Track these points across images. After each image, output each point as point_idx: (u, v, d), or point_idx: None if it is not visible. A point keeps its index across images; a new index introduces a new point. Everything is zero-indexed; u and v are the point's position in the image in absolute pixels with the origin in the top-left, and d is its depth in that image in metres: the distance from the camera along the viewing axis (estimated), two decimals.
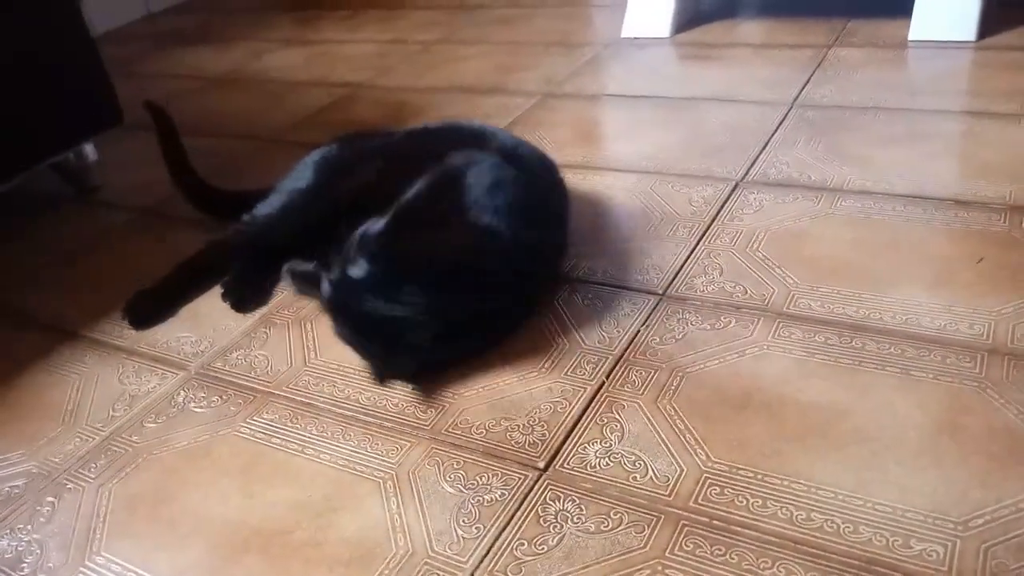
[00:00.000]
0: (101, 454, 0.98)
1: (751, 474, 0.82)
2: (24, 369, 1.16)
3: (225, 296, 1.23)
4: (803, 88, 1.64)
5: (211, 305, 1.23)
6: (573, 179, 1.43)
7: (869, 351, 0.95)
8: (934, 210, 1.19)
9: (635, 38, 2.06)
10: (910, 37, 1.78)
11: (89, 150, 1.65)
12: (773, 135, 1.47)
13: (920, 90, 1.57)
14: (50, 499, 0.93)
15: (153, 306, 1.23)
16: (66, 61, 1.51)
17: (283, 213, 1.24)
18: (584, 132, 1.63)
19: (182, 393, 1.06)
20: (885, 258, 1.11)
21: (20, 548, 0.87)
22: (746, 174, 1.36)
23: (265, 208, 1.26)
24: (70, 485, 0.94)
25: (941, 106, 1.50)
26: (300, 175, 1.27)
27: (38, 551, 0.87)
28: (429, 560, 0.78)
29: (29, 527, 0.90)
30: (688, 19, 2.09)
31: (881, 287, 1.05)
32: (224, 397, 1.04)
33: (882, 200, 1.24)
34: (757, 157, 1.41)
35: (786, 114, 1.54)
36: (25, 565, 0.85)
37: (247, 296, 1.22)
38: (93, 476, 0.95)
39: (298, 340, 1.12)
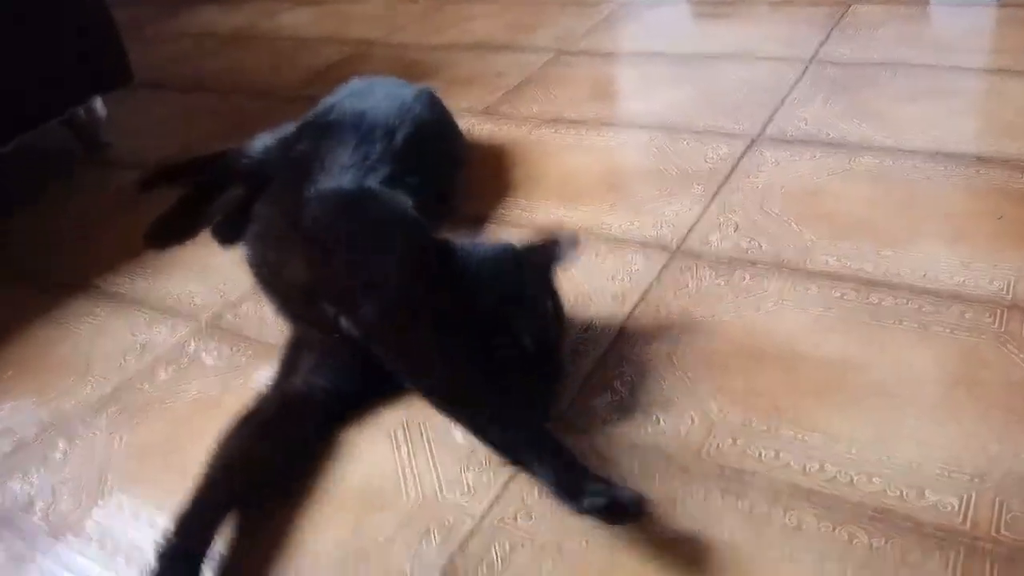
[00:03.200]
0: (113, 402, 0.98)
1: (764, 426, 0.81)
2: (37, 321, 1.16)
3: (213, 233, 1.25)
4: (822, 45, 1.61)
5: (221, 256, 1.22)
6: (588, 136, 1.41)
7: (886, 306, 0.94)
8: (954, 167, 1.17)
9: None
10: None
11: (99, 107, 1.64)
12: (790, 92, 1.45)
13: (942, 47, 1.53)
14: (62, 445, 0.93)
15: (171, 229, 1.27)
16: (78, 19, 1.50)
17: (280, 144, 1.24)
18: (599, 89, 1.61)
19: (193, 343, 1.06)
20: (904, 214, 1.09)
21: (32, 492, 0.88)
22: (762, 131, 1.34)
23: (261, 142, 1.28)
24: (82, 432, 0.95)
25: (963, 63, 1.46)
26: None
27: (50, 495, 0.87)
28: (439, 506, 0.78)
29: (41, 471, 0.90)
30: None
31: (899, 243, 1.03)
32: (234, 348, 1.04)
33: (901, 157, 1.21)
34: (774, 114, 1.38)
35: (804, 71, 1.51)
36: (37, 508, 0.86)
37: (234, 235, 1.22)
38: (105, 424, 0.95)
39: None
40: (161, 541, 0.74)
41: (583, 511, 0.71)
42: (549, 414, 0.85)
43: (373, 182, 1.05)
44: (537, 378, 0.86)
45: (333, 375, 0.89)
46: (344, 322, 0.88)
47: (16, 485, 0.89)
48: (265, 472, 0.84)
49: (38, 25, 1.45)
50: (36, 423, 0.97)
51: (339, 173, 1.05)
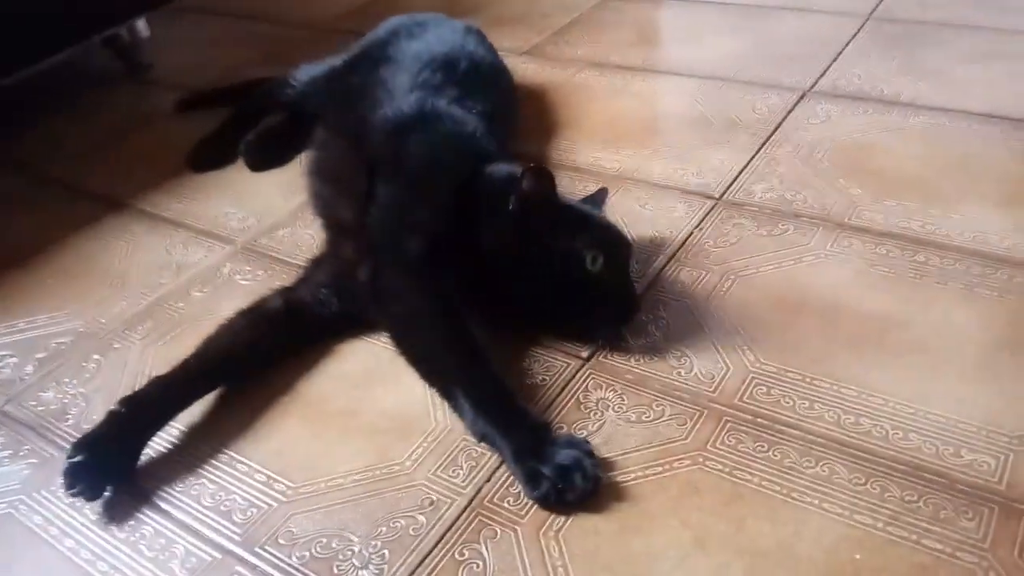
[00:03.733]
0: (147, 317, 0.99)
1: (800, 376, 0.80)
2: (74, 235, 1.16)
3: (243, 152, 1.25)
4: (881, 1, 1.55)
5: (259, 182, 1.22)
6: (633, 81, 1.38)
7: (932, 265, 0.91)
8: (1011, 130, 1.13)
9: None
10: None
11: (142, 27, 1.63)
12: (846, 47, 1.40)
13: (1006, 8, 1.48)
14: (96, 356, 0.94)
15: (212, 153, 1.28)
16: None
17: (327, 76, 1.24)
18: (647, 35, 1.57)
19: (228, 265, 1.06)
20: (955, 175, 1.06)
21: (65, 400, 0.89)
22: (814, 84, 1.30)
23: (305, 72, 1.28)
24: (116, 344, 0.96)
25: None
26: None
27: (83, 404, 0.88)
28: (466, 437, 0.78)
29: (75, 381, 0.91)
30: None
31: (950, 203, 1.00)
32: (269, 272, 1.04)
33: (957, 117, 1.17)
34: (828, 68, 1.34)
35: (861, 26, 1.47)
36: (70, 416, 0.87)
37: (263, 158, 1.25)
38: (139, 337, 0.96)
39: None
40: (117, 404, 0.80)
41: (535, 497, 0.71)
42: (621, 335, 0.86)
43: (442, 104, 1.04)
44: (609, 304, 0.86)
45: (340, 297, 0.90)
46: (361, 271, 0.89)
47: (50, 393, 0.90)
48: (243, 359, 0.88)
49: None
50: (72, 333, 0.98)
51: (403, 96, 1.04)
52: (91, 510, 0.76)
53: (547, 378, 0.83)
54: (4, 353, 0.97)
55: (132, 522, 0.75)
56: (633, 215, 1.05)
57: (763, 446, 0.74)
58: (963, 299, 0.87)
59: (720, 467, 0.72)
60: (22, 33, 1.38)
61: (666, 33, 1.62)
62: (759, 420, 0.76)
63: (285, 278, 1.02)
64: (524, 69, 1.46)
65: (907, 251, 0.94)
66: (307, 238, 1.09)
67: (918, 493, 0.68)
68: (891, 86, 1.27)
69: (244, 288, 1.01)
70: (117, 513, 0.76)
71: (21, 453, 0.84)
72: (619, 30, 1.58)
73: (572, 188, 1.11)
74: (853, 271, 0.92)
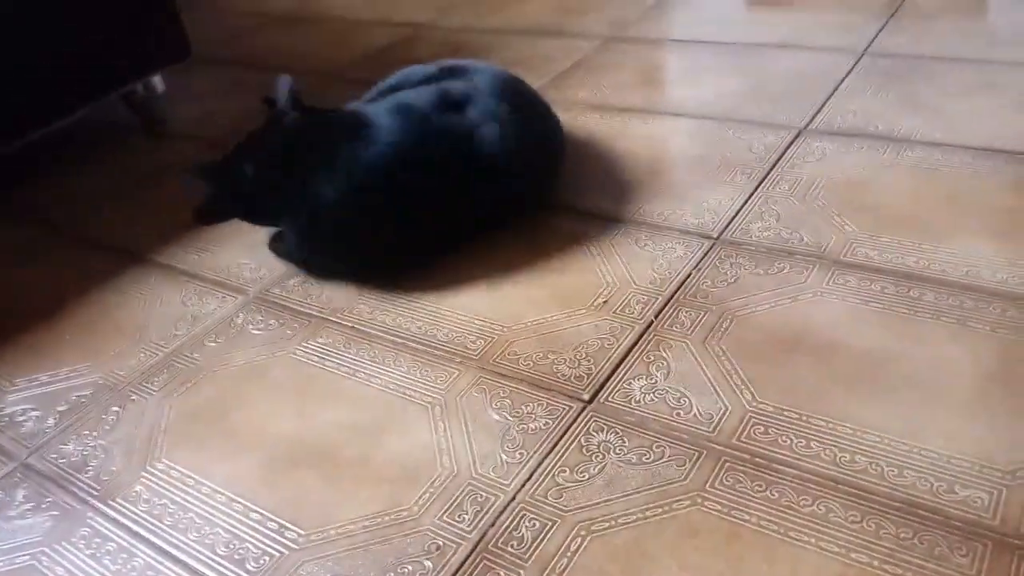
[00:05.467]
0: (164, 369, 1.02)
1: (796, 415, 0.82)
2: (92, 288, 1.20)
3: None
4: (876, 36, 1.58)
5: (270, 235, 1.25)
6: (633, 123, 1.42)
7: (926, 301, 0.93)
8: (1004, 163, 1.15)
9: None
10: None
11: (157, 82, 1.68)
12: (841, 83, 1.43)
13: (999, 41, 1.50)
14: (115, 408, 0.98)
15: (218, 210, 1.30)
16: (140, 8, 1.55)
17: None
18: (647, 76, 1.61)
19: (241, 316, 1.09)
20: (949, 209, 1.08)
21: (86, 452, 0.92)
22: (810, 122, 1.33)
23: None
24: (134, 396, 0.99)
25: (1019, 58, 1.43)
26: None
27: (103, 456, 0.91)
28: (473, 481, 0.80)
29: (95, 433, 0.95)
30: None
31: (943, 238, 1.02)
32: (281, 321, 1.07)
33: (950, 152, 1.20)
34: (823, 105, 1.37)
35: (856, 62, 1.50)
36: (90, 468, 0.90)
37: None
38: (156, 389, 0.99)
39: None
40: None
41: None
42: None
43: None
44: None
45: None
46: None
47: (71, 446, 0.94)
48: None
49: (102, 3, 1.49)
50: (91, 386, 1.02)
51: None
52: (111, 561, 0.79)
53: (550, 422, 0.86)
54: (27, 407, 1.00)
55: (151, 572, 0.77)
56: (632, 256, 1.08)
57: (761, 485, 0.76)
58: (956, 334, 0.88)
59: (718, 507, 0.74)
60: (41, 94, 1.44)
61: (665, 74, 1.66)
62: (757, 459, 0.78)
63: (296, 328, 1.05)
64: None
65: (901, 287, 0.96)
66: (317, 288, 1.12)
67: (913, 530, 0.70)
68: (885, 122, 1.30)
69: (257, 338, 1.05)
70: (137, 564, 0.78)
71: (43, 505, 0.87)
72: (620, 72, 1.62)
73: (574, 230, 1.14)
74: (848, 308, 0.94)
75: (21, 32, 1.39)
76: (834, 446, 0.78)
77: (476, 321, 1.01)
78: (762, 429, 0.81)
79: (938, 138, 1.23)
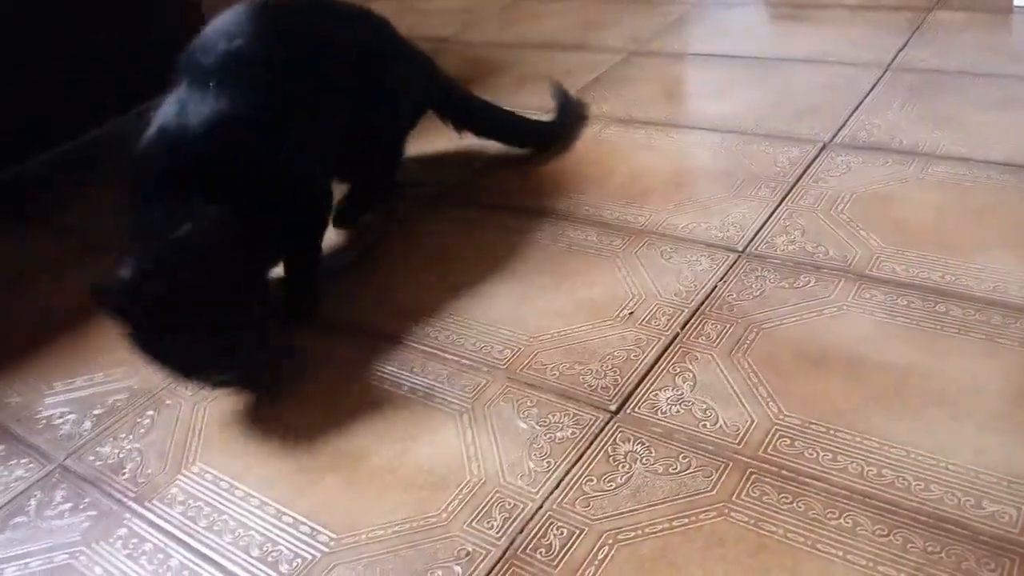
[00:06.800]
0: None
1: (823, 428, 0.83)
2: None
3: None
4: (900, 51, 1.59)
5: None
6: (657, 136, 1.43)
7: (953, 316, 0.94)
8: None
9: None
10: (1016, 2, 1.70)
11: None
12: (865, 98, 1.44)
13: (1023, 57, 1.51)
14: (150, 412, 1.00)
15: None
16: (174, 18, 1.59)
17: None
18: (669, 90, 1.62)
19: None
20: (975, 225, 1.08)
21: (122, 455, 0.94)
22: (834, 136, 1.34)
23: None
24: (168, 401, 1.01)
25: None
26: None
27: (138, 458, 0.93)
28: (501, 489, 0.81)
29: (131, 436, 0.97)
30: None
31: (969, 253, 1.03)
32: (313, 329, 1.09)
33: (976, 167, 1.20)
34: (847, 120, 1.38)
35: (880, 77, 1.50)
36: (126, 470, 0.92)
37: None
38: (189, 394, 1.01)
39: (383, 285, 1.17)
40: None
41: None
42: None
43: None
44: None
45: None
46: None
47: (107, 448, 0.96)
48: None
49: (137, 27, 1.53)
50: (126, 391, 1.04)
51: None
52: (147, 561, 0.81)
53: (577, 431, 0.87)
54: (64, 410, 1.02)
55: (186, 572, 0.79)
56: (658, 268, 1.09)
57: (787, 498, 0.76)
58: (983, 349, 0.89)
59: (745, 518, 0.75)
60: (67, 108, 1.48)
61: (687, 88, 1.67)
62: (783, 472, 0.79)
63: (326, 340, 1.07)
64: None
65: (928, 302, 0.96)
66: (346, 298, 1.14)
67: (940, 544, 0.70)
68: (910, 136, 1.30)
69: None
70: (173, 565, 0.80)
71: (81, 506, 0.89)
72: (642, 86, 1.63)
73: (600, 242, 1.16)
74: (874, 322, 0.95)
75: (59, 44, 1.43)
76: (861, 459, 0.79)
77: (503, 331, 1.02)
78: (788, 441, 0.82)
79: (963, 153, 1.24)
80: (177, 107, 1.00)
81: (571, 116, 1.50)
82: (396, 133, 1.31)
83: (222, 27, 1.09)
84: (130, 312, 0.86)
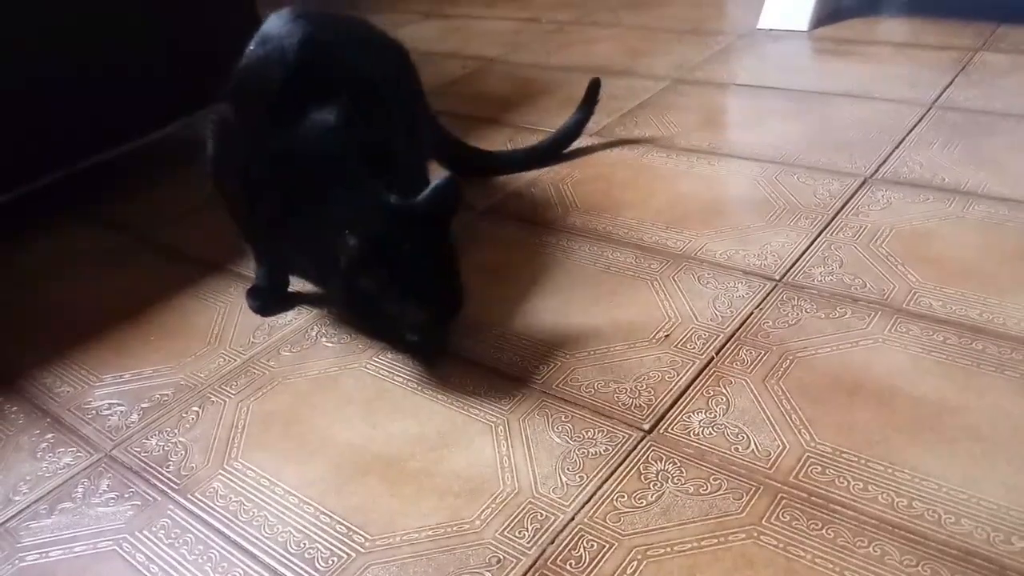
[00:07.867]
0: (241, 374, 1.07)
1: (854, 458, 0.83)
2: (175, 295, 1.27)
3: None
4: (944, 90, 1.60)
5: None
6: (698, 164, 1.45)
7: (989, 354, 0.94)
8: None
9: (771, 30, 2.05)
10: None
11: None
12: (908, 134, 1.45)
13: None
14: (195, 408, 1.03)
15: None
16: (231, 23, 1.64)
17: None
18: (712, 119, 1.64)
19: (315, 328, 1.14)
20: (1014, 265, 1.09)
21: (167, 448, 0.97)
22: (876, 171, 1.35)
23: None
24: (213, 398, 1.04)
25: None
26: None
27: (183, 452, 0.96)
28: (533, 500, 0.83)
29: (176, 431, 1.00)
30: (828, 13, 2.05)
31: (1008, 293, 1.03)
32: (352, 335, 1.12)
33: (1017, 208, 1.20)
34: (889, 155, 1.39)
35: (924, 114, 1.51)
36: (171, 463, 0.95)
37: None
38: (234, 392, 1.04)
39: None
40: None
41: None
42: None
43: None
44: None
45: None
46: None
47: (153, 441, 0.99)
48: None
49: (196, 29, 1.59)
50: (173, 386, 1.07)
51: None
52: (188, 551, 0.83)
53: (609, 448, 0.88)
54: (113, 402, 1.06)
55: (225, 564, 0.81)
56: (695, 292, 1.10)
57: (817, 524, 0.77)
58: (1019, 388, 0.89)
59: (774, 542, 0.76)
60: (136, 108, 1.53)
61: (730, 117, 1.69)
62: (814, 498, 0.80)
63: (368, 342, 1.10)
64: (593, 149, 1.54)
65: (964, 339, 0.97)
66: None
67: None
68: (952, 175, 1.31)
69: (329, 350, 1.09)
70: (212, 555, 0.83)
71: (126, 495, 0.92)
72: (685, 114, 1.65)
73: (638, 264, 1.17)
74: (910, 356, 0.95)
75: (121, 46, 1.48)
76: (892, 491, 0.79)
77: (540, 347, 1.04)
78: (819, 469, 0.83)
79: (1005, 193, 1.24)
80: (340, 114, 1.07)
81: (561, 137, 1.55)
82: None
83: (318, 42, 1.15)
84: (371, 263, 0.96)
